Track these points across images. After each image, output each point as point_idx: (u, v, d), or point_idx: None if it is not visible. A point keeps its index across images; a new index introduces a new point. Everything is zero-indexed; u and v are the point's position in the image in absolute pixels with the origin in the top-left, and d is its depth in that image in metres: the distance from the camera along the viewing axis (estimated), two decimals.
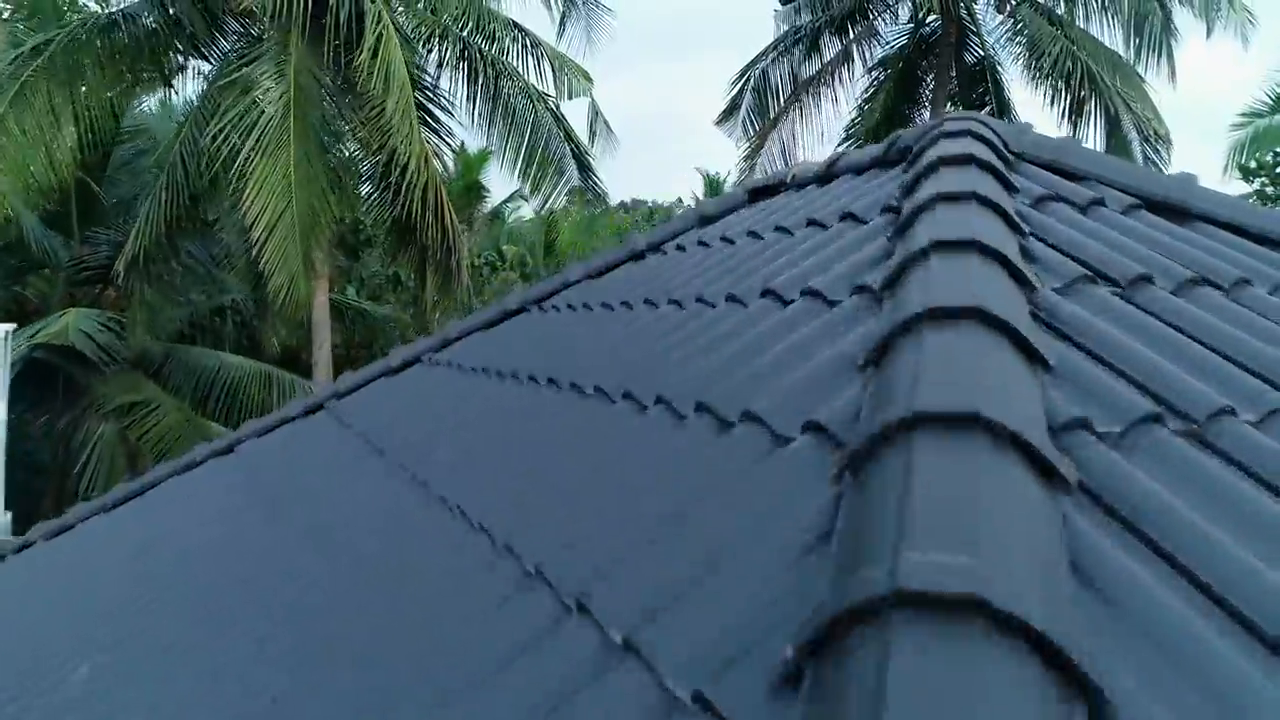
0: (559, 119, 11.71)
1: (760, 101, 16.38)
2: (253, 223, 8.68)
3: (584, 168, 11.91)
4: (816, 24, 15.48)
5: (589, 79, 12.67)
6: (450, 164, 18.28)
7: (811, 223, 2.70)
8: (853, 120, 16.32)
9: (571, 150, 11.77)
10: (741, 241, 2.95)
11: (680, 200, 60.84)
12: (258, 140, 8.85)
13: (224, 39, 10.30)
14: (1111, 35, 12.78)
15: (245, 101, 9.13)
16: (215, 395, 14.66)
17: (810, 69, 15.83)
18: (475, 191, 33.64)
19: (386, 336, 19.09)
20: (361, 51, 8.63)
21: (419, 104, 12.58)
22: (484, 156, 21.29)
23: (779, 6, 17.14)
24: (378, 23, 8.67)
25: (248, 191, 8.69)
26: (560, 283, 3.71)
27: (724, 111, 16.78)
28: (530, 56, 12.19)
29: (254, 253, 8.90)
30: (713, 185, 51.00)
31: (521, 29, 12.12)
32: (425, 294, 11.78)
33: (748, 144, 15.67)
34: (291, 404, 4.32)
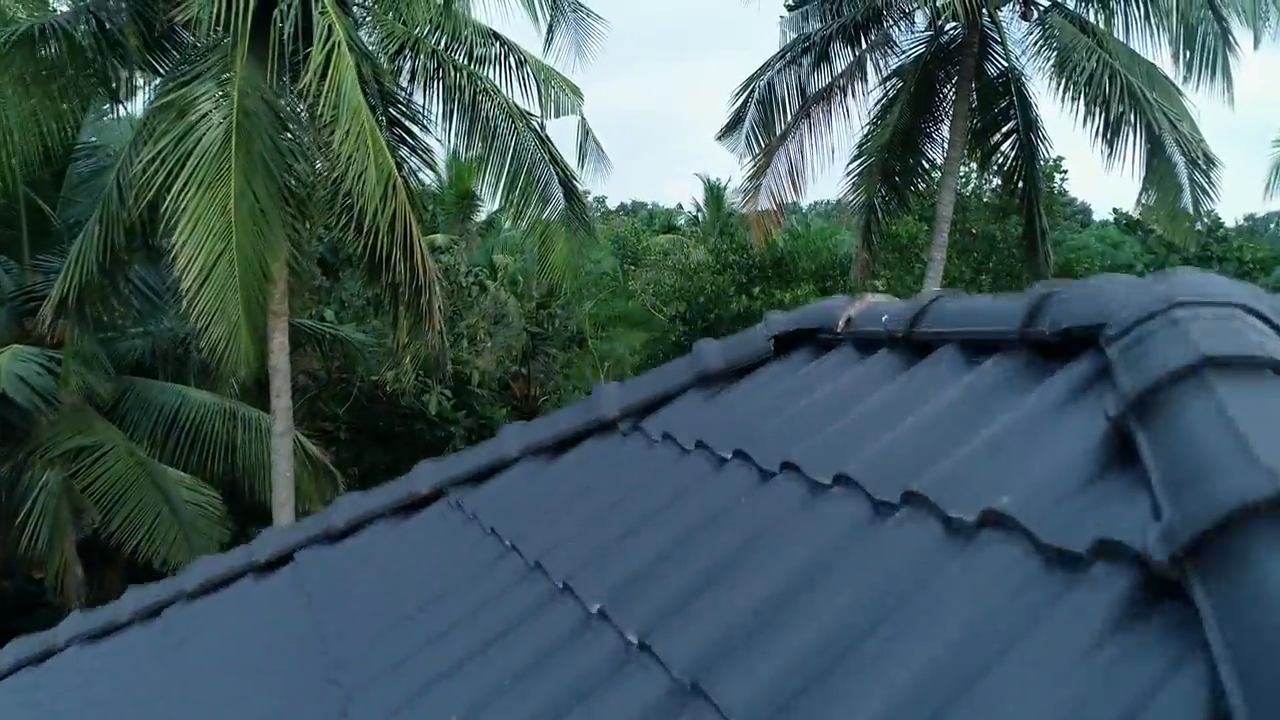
0: (543, 141, 10.55)
1: (765, 115, 15.21)
2: (184, 269, 7.52)
3: (571, 195, 10.73)
4: (826, 32, 14.31)
5: (578, 94, 11.51)
6: (431, 178, 17.12)
7: (911, 500, 1.49)
8: (865, 136, 15.17)
9: (558, 176, 10.61)
10: (772, 489, 1.74)
11: (680, 206, 59.54)
12: (193, 172, 7.69)
13: (164, 54, 9.12)
14: (1155, 48, 11.61)
15: (181, 126, 7.97)
16: (176, 435, 13.50)
17: (820, 81, 14.66)
18: (468, 200, 32.60)
19: (367, 363, 17.98)
20: (307, 71, 7.45)
21: (393, 120, 11.45)
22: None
23: (785, 13, 16.00)
24: (327, 37, 7.50)
25: (179, 231, 7.53)
26: (496, 457, 2.54)
27: (726, 126, 15.62)
28: (513, 71, 11.04)
29: (184, 304, 7.73)
30: (713, 191, 49.87)
31: (503, 41, 10.97)
32: (398, 333, 10.62)
33: (752, 162, 14.50)
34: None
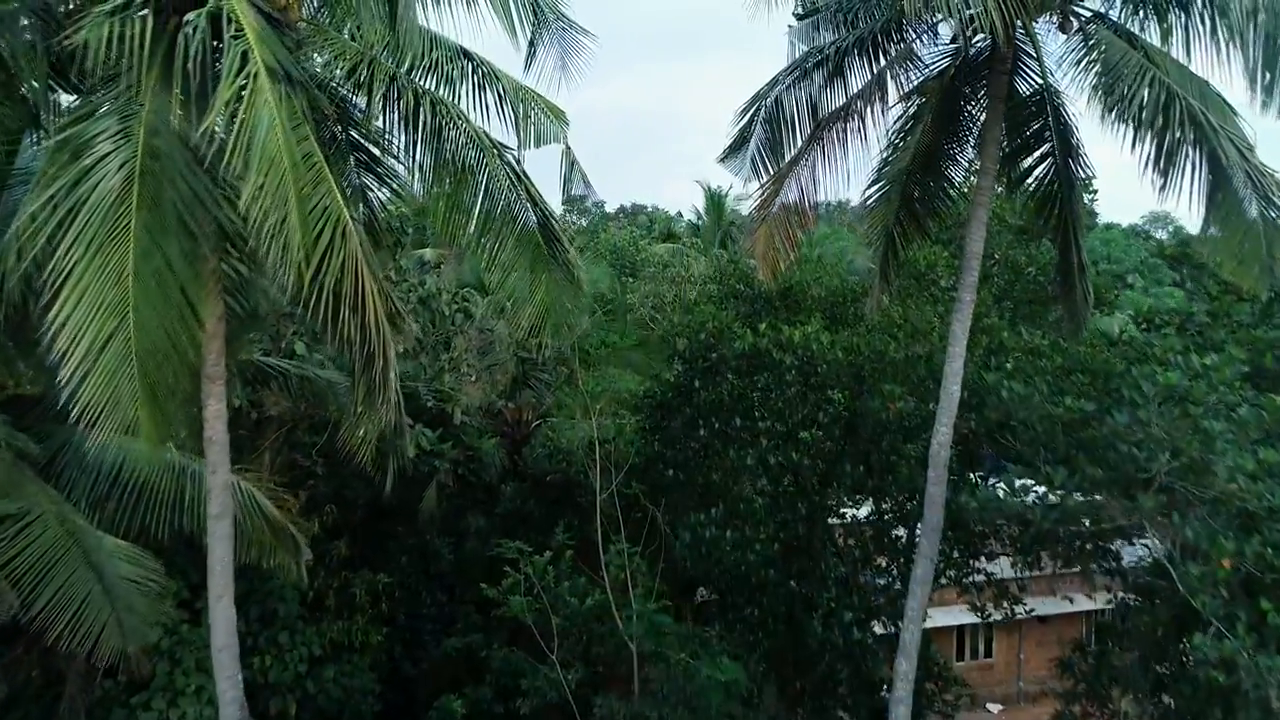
0: (519, 178, 9.15)
1: (773, 135, 13.78)
2: (65, 354, 6.08)
3: (551, 238, 9.33)
4: (841, 45, 12.89)
5: (562, 119, 10.11)
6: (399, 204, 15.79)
7: None
8: (884, 159, 13.76)
9: (537, 218, 9.21)
10: None
11: (680, 215, 58.08)
12: (81, 229, 6.29)
13: (65, 81, 7.71)
14: (1220, 66, 10.18)
15: (73, 172, 6.57)
16: (117, 495, 12.12)
17: (834, 98, 13.23)
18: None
19: (338, 401, 16.57)
20: (210, 110, 6.00)
21: (355, 144, 10.06)
22: None
23: (794, 22, 14.58)
24: (239, 68, 6.07)
25: (59, 306, 6.12)
26: None
27: (730, 147, 14.18)
28: (488, 94, 9.65)
29: (64, 397, 6.29)
30: (714, 199, 48.47)
31: (475, 60, 9.57)
32: (355, 394, 9.24)
33: (760, 188, 13.09)
34: None
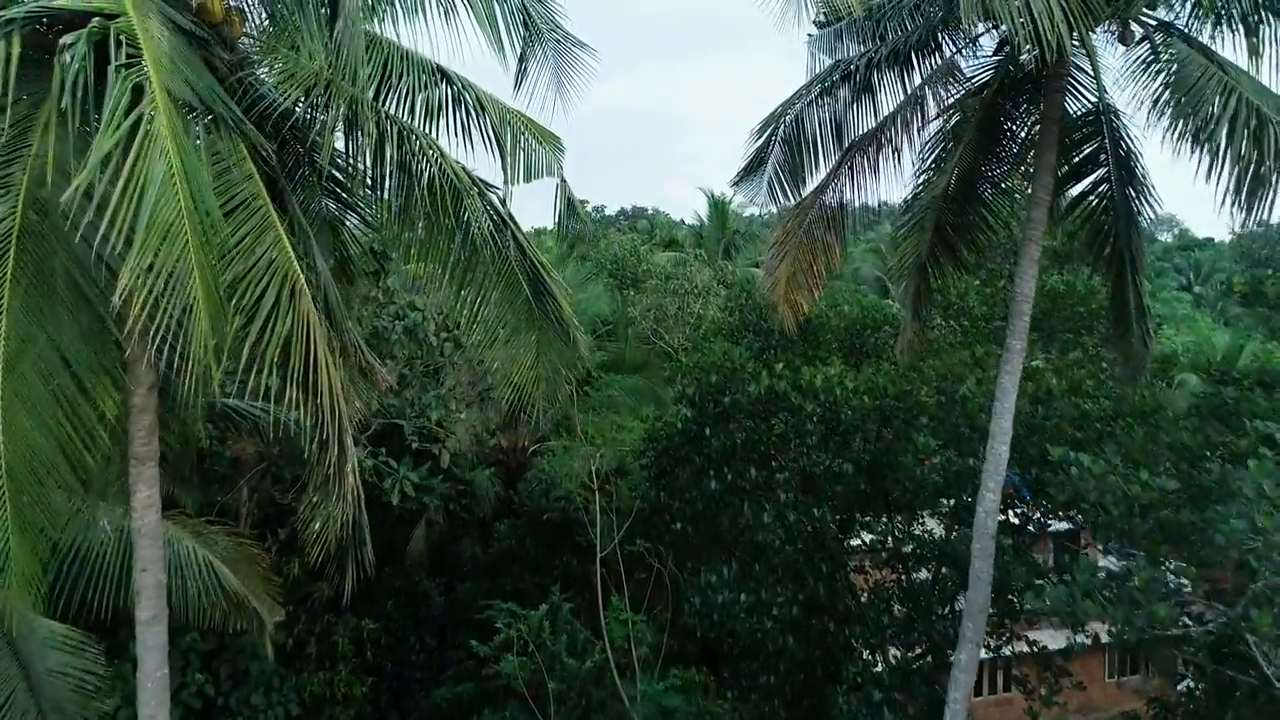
0: (504, 221, 7.76)
1: (793, 157, 12.39)
2: None
3: (541, 292, 7.94)
4: (871, 58, 11.49)
5: (558, 146, 8.74)
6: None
7: None
8: (919, 184, 12.38)
9: (527, 271, 7.82)
10: None
11: (683, 222, 56.61)
12: None
13: None
14: None
15: None
16: (55, 568, 10.73)
17: (862, 116, 11.83)
18: None
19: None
20: (84, 166, 4.54)
21: (332, 179, 8.68)
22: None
23: (814, 31, 13.17)
24: (128, 104, 4.61)
25: None
26: None
27: (744, 170, 12.79)
28: (471, 120, 8.27)
29: None
30: (717, 207, 47.05)
31: (454, 81, 8.19)
32: (310, 479, 7.86)
33: (780, 220, 11.68)
34: None
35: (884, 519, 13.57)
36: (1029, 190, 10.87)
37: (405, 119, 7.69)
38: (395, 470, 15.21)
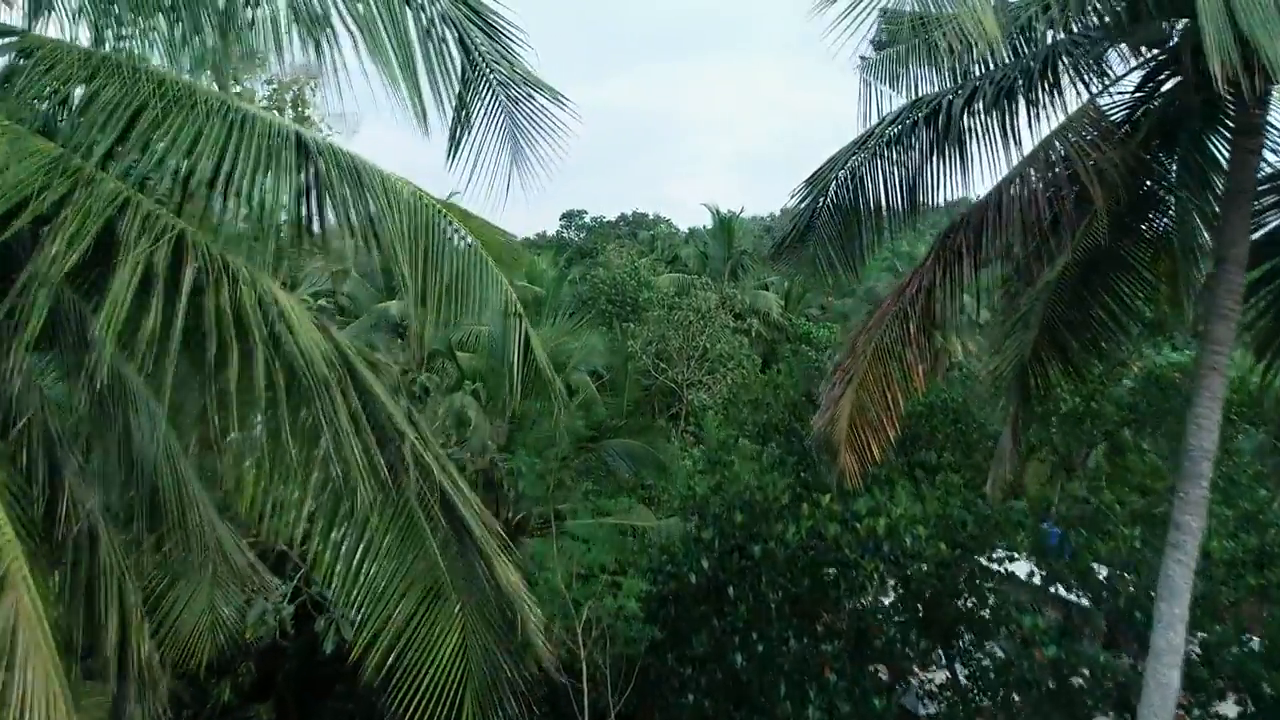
0: (398, 432, 4.46)
1: (847, 225, 9.09)
2: None
3: (468, 543, 4.61)
4: (960, 95, 8.16)
5: (516, 262, 5.54)
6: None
7: None
8: (1019, 265, 9.01)
9: (448, 516, 4.50)
10: None
11: (688, 238, 53.35)
12: None
13: None
14: None
15: None
16: None
17: (946, 174, 8.50)
18: None
19: None
20: None
21: None
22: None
23: (871, 53, 9.79)
24: None
25: None
26: None
27: (782, 242, 9.49)
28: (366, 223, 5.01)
29: None
30: (723, 224, 43.60)
31: (317, 156, 4.89)
32: None
33: (846, 339, 8.32)
34: None
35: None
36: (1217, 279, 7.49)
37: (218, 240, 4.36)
38: (325, 618, 11.86)
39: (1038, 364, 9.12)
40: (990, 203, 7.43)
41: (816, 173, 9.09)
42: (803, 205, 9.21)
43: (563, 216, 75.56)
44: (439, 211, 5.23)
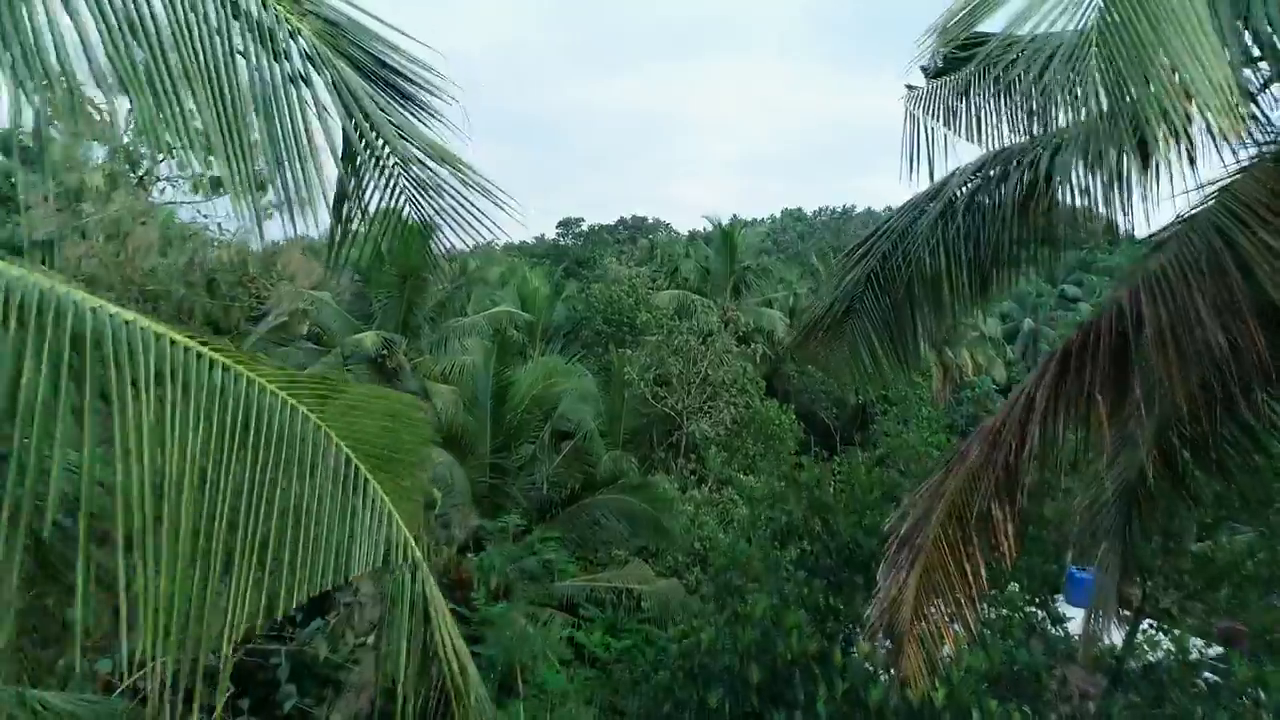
0: None
1: (899, 314, 6.95)
2: None
3: None
4: (1044, 148, 6.03)
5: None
6: None
7: None
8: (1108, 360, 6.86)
9: None
10: None
11: (688, 252, 51.25)
12: None
13: None
14: None
15: None
16: None
17: (1033, 249, 6.36)
18: (415, 279, 24.45)
19: None
20: None
21: None
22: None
23: (920, 83, 7.64)
24: None
25: None
26: None
27: (808, 330, 7.33)
28: None
29: None
30: (726, 236, 41.43)
31: None
32: None
33: (909, 494, 6.19)
34: None
35: None
36: None
37: None
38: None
39: (1144, 491, 6.99)
40: (1121, 316, 5.26)
41: (853, 251, 6.96)
42: (836, 290, 7.08)
43: (559, 224, 73.57)
44: (285, 407, 3.11)
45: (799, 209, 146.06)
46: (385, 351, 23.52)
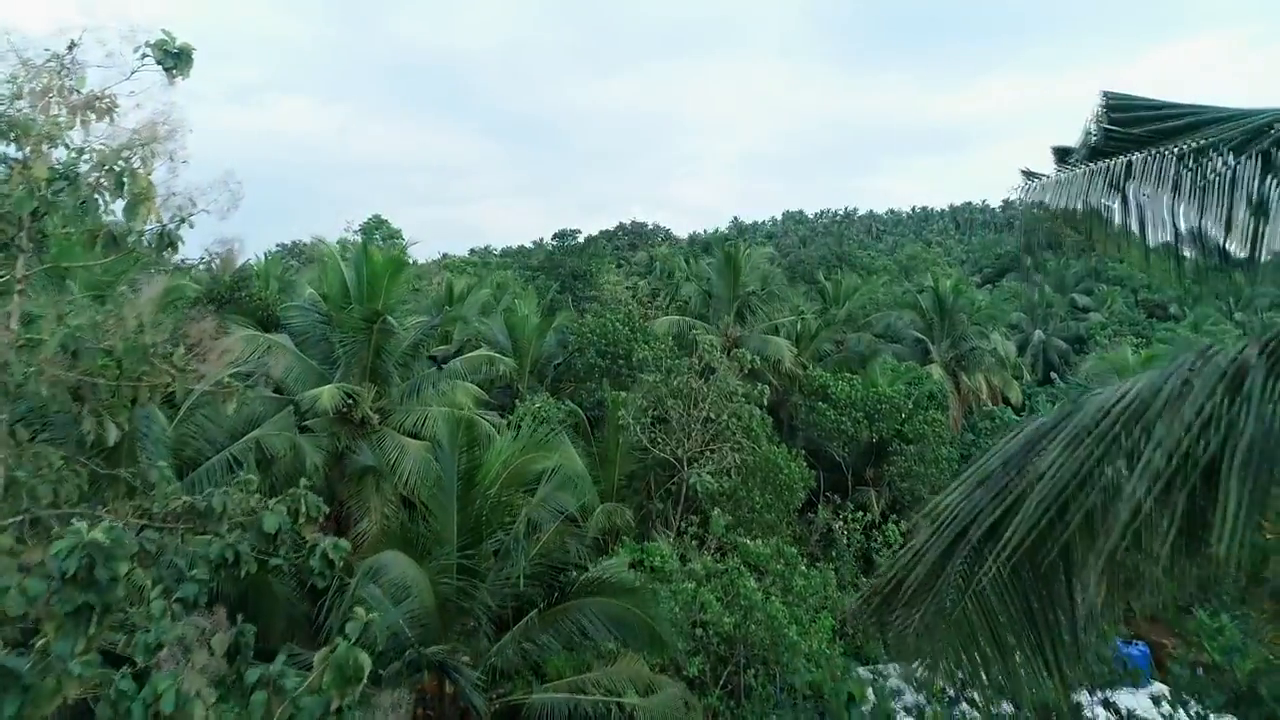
0: None
1: (999, 592, 4.41)
2: None
3: None
4: None
5: None
6: None
7: None
8: None
9: None
10: None
11: (690, 263, 48.57)
12: None
13: None
14: None
15: None
16: None
17: None
18: (376, 322, 21.99)
19: None
20: None
21: None
22: None
23: (1047, 173, 5.14)
24: None
25: None
26: None
27: (880, 599, 4.77)
28: None
29: None
30: (729, 260, 38.81)
31: None
32: None
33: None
34: None
35: None
36: None
37: None
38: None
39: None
40: None
41: (946, 498, 4.43)
42: (923, 545, 4.54)
43: (555, 236, 71.08)
44: None
45: (800, 211, 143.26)
46: (351, 403, 21.06)
